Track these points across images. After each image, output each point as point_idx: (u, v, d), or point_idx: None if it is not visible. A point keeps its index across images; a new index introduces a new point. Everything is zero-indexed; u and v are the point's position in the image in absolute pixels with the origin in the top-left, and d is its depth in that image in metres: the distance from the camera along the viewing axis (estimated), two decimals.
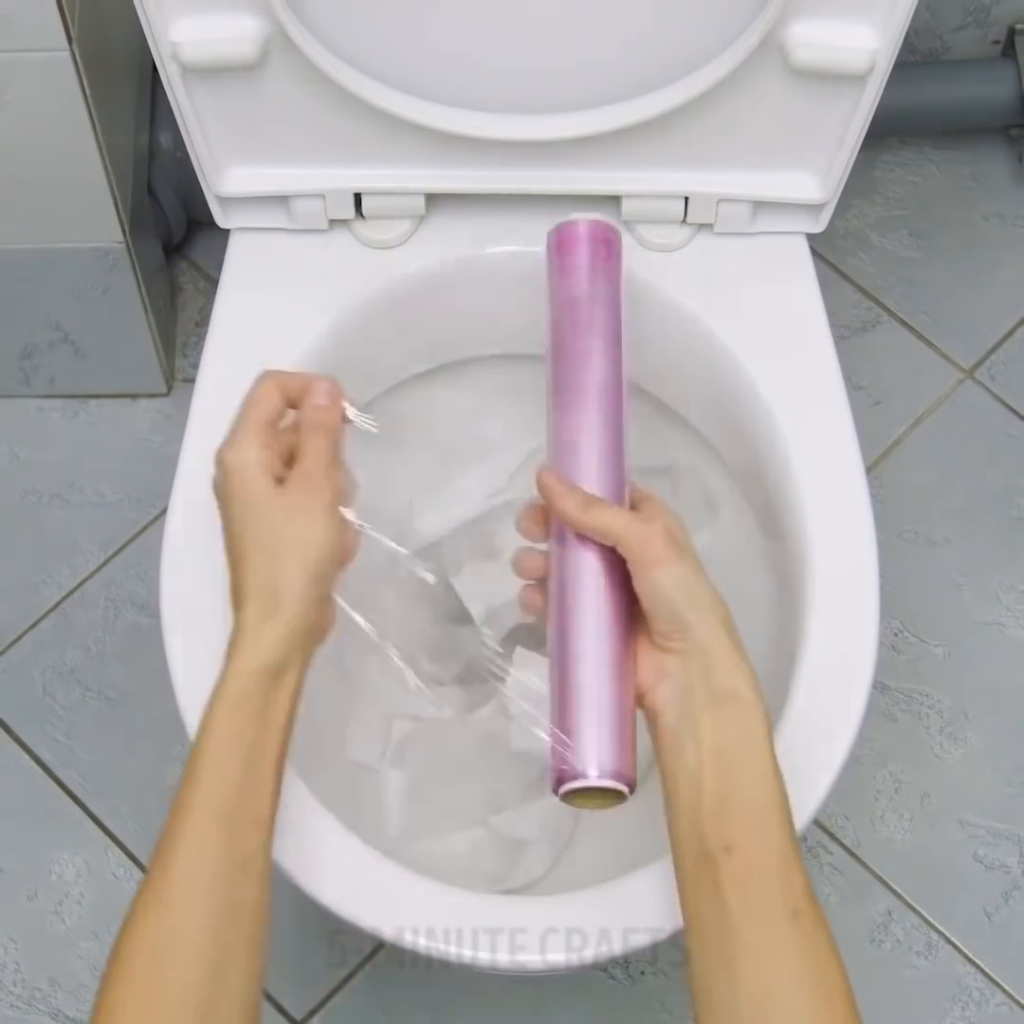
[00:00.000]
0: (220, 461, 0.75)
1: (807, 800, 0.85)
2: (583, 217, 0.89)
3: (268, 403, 0.76)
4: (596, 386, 0.83)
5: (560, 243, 0.89)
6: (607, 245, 0.89)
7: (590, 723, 0.75)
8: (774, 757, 0.71)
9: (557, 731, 0.75)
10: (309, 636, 0.75)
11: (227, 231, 1.04)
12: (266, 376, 0.78)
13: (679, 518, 0.76)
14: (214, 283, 1.04)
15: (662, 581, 0.73)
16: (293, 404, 0.78)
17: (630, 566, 0.74)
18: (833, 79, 0.92)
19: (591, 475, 0.81)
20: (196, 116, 0.95)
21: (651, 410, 1.07)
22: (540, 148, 0.97)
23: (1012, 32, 1.47)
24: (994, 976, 1.23)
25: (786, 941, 0.66)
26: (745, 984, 0.65)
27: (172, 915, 0.68)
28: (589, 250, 0.88)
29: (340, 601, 0.80)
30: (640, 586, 0.74)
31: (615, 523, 0.75)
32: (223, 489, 0.75)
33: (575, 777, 0.74)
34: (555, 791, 0.75)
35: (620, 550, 0.74)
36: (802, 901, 0.67)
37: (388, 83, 0.94)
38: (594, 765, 0.74)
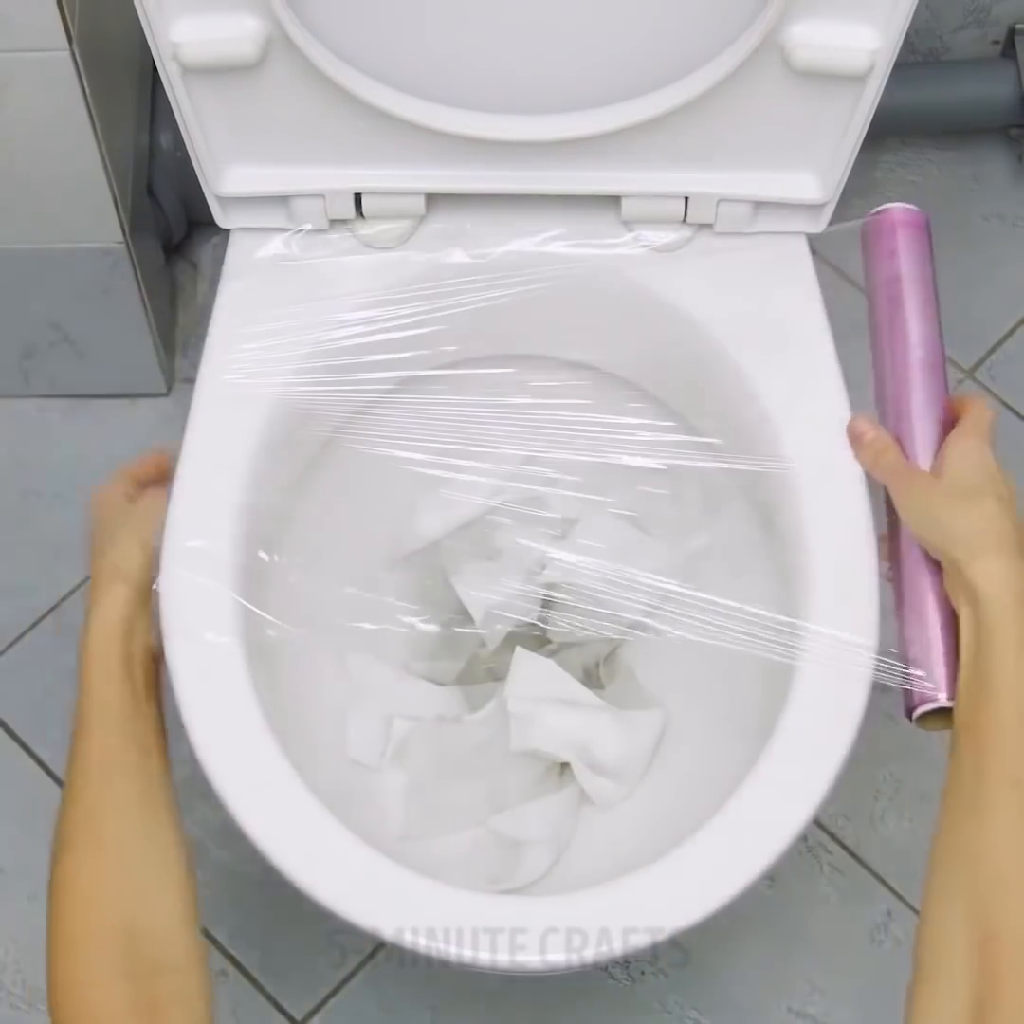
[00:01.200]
0: (93, 497, 0.96)
1: (808, 799, 0.85)
2: (896, 206, 0.96)
3: (142, 466, 0.98)
4: (918, 360, 0.94)
5: (877, 229, 0.97)
6: (918, 228, 0.96)
7: (939, 657, 0.86)
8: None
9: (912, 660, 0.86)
10: (146, 609, 0.89)
11: (227, 231, 1.04)
12: (156, 450, 0.99)
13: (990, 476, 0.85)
14: (214, 283, 1.04)
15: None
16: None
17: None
18: (833, 79, 0.92)
19: (915, 437, 0.91)
20: (196, 116, 0.95)
21: (651, 410, 1.07)
22: (540, 148, 0.97)
23: (1012, 32, 1.47)
24: None
25: (1006, 804, 0.76)
26: (971, 841, 0.77)
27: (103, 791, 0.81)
28: (904, 234, 0.96)
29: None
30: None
31: (895, 478, 0.88)
32: (92, 513, 0.94)
33: (929, 701, 0.85)
34: (909, 715, 0.87)
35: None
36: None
37: (388, 83, 0.94)
38: (945, 690, 0.85)
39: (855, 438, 0.94)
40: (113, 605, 0.86)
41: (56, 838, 0.81)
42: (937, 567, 0.86)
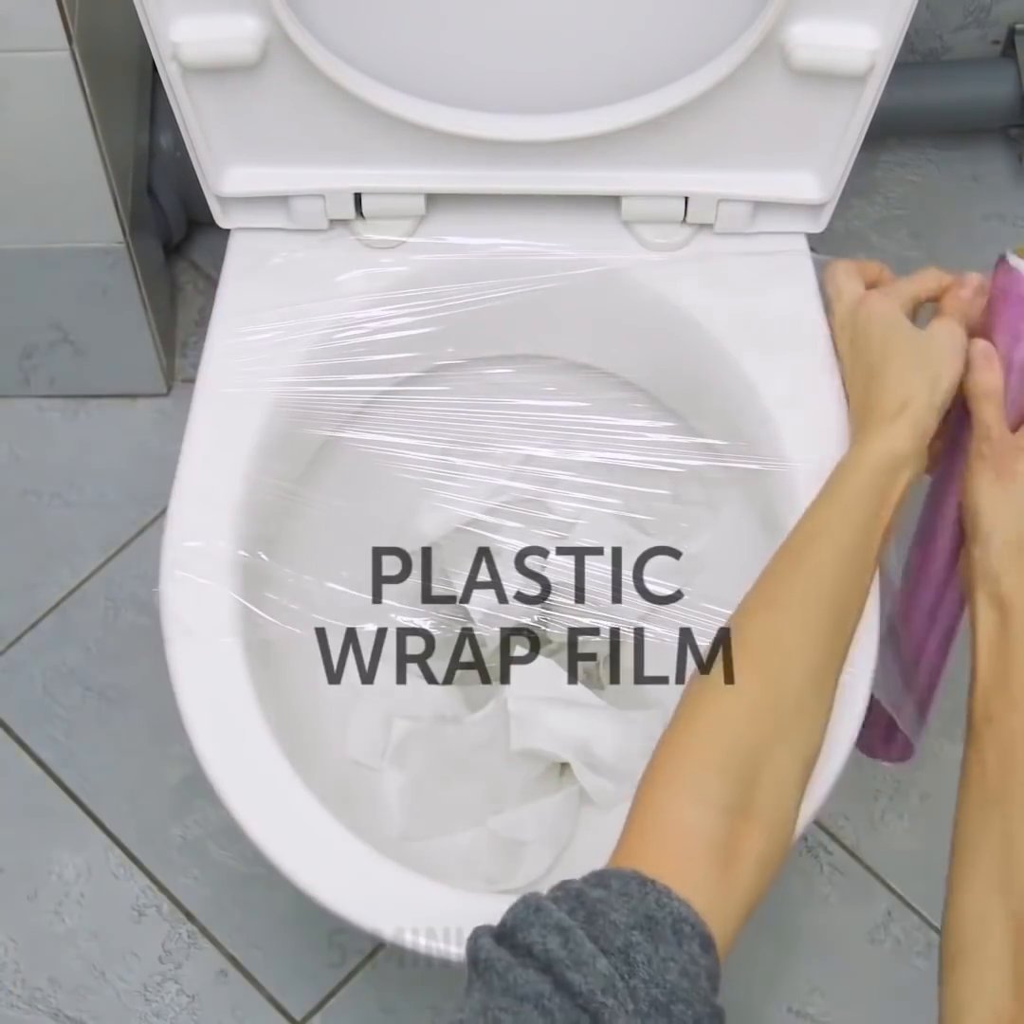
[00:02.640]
0: (869, 302, 0.91)
1: (807, 800, 0.85)
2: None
3: (922, 283, 0.92)
4: None
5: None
6: None
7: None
8: None
9: None
10: (923, 446, 0.86)
11: (227, 231, 1.04)
12: (928, 272, 0.93)
13: None
14: (214, 283, 1.04)
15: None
16: (932, 297, 0.93)
17: None
18: (833, 79, 0.92)
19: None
20: (196, 116, 0.95)
21: (651, 410, 1.07)
22: (540, 148, 0.97)
23: (1012, 32, 1.47)
24: None
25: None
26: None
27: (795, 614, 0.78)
28: None
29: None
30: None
31: (983, 438, 0.86)
32: (865, 321, 0.90)
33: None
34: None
35: None
36: None
37: (388, 83, 0.94)
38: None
39: (974, 365, 0.89)
40: (889, 444, 0.83)
41: (736, 622, 0.78)
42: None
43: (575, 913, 0.62)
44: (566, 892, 0.64)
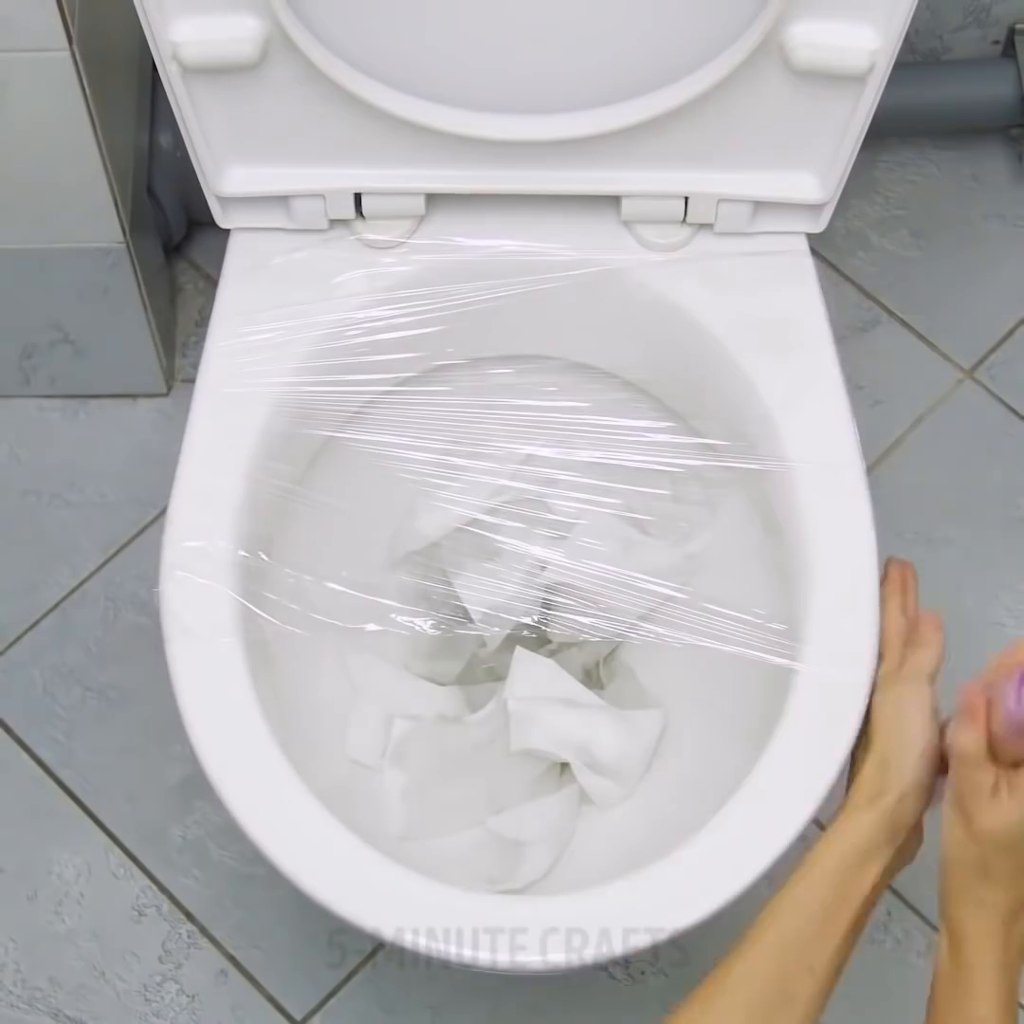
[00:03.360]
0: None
1: (807, 800, 0.85)
2: None
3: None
4: None
5: None
6: None
7: None
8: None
9: None
10: (897, 831, 0.83)
11: (227, 231, 1.04)
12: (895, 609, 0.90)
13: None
14: (214, 283, 1.04)
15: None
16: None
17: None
18: (833, 79, 0.92)
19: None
20: (196, 116, 0.95)
21: (651, 410, 1.07)
22: (540, 148, 0.97)
23: (1012, 32, 1.47)
24: None
25: None
26: None
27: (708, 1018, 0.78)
28: None
29: None
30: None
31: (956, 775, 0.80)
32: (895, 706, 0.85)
33: None
34: None
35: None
36: None
37: (388, 83, 0.94)
38: None
39: (963, 714, 0.80)
40: (861, 830, 0.82)
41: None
42: None
43: None
44: None
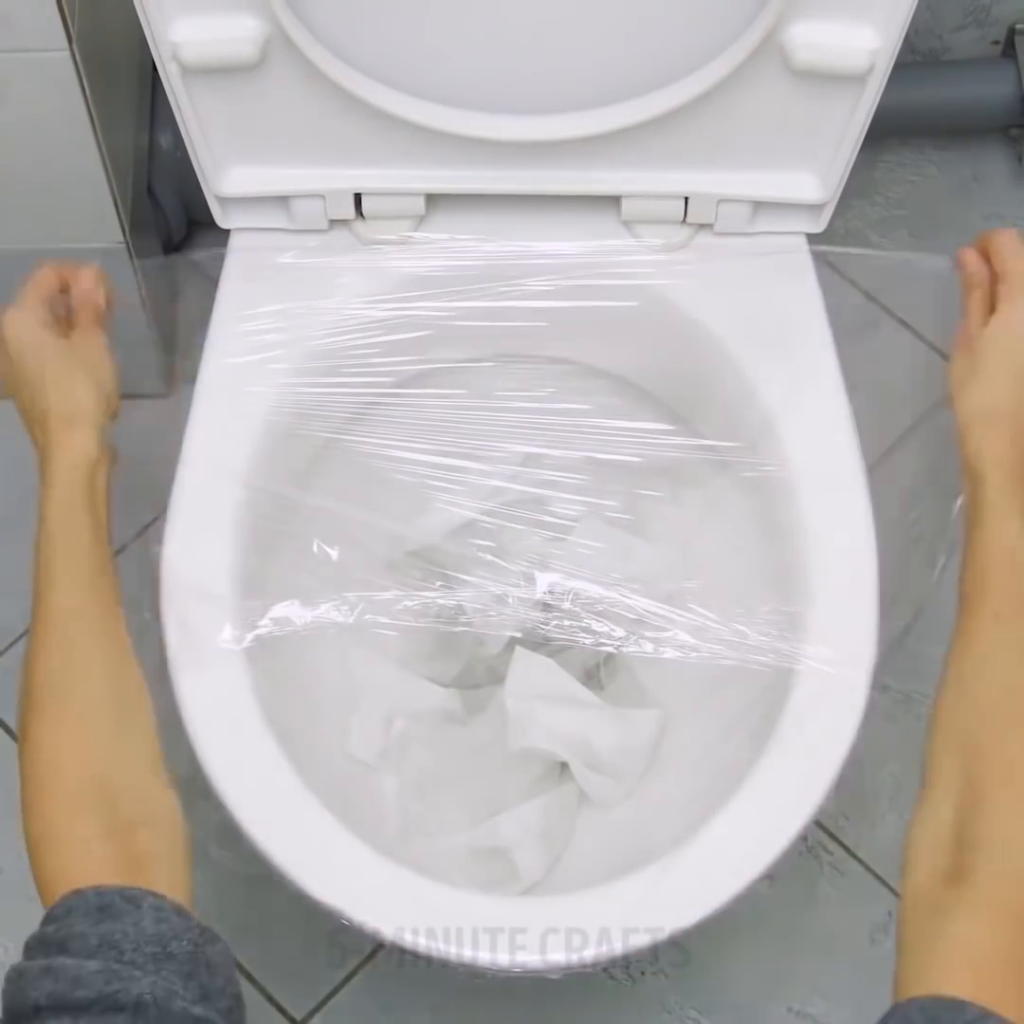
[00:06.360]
0: (4, 323, 0.90)
1: (807, 800, 0.85)
2: None
3: (45, 283, 0.92)
4: None
5: None
6: None
7: None
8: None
9: None
10: (105, 444, 0.90)
11: (227, 231, 1.04)
12: (43, 263, 0.94)
13: None
14: (214, 283, 1.04)
15: None
16: (65, 288, 0.94)
17: None
18: (833, 79, 0.92)
19: None
20: (196, 116, 0.95)
21: (651, 410, 1.08)
22: (540, 148, 0.97)
23: (1012, 32, 1.47)
24: None
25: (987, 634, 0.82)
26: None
27: (69, 654, 0.81)
28: None
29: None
30: None
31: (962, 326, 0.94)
32: (12, 346, 0.90)
33: None
34: None
35: None
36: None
37: (388, 83, 0.94)
38: None
39: (961, 265, 0.95)
40: (79, 451, 0.88)
41: (23, 697, 0.81)
42: None
43: (46, 951, 0.70)
44: (33, 943, 0.73)
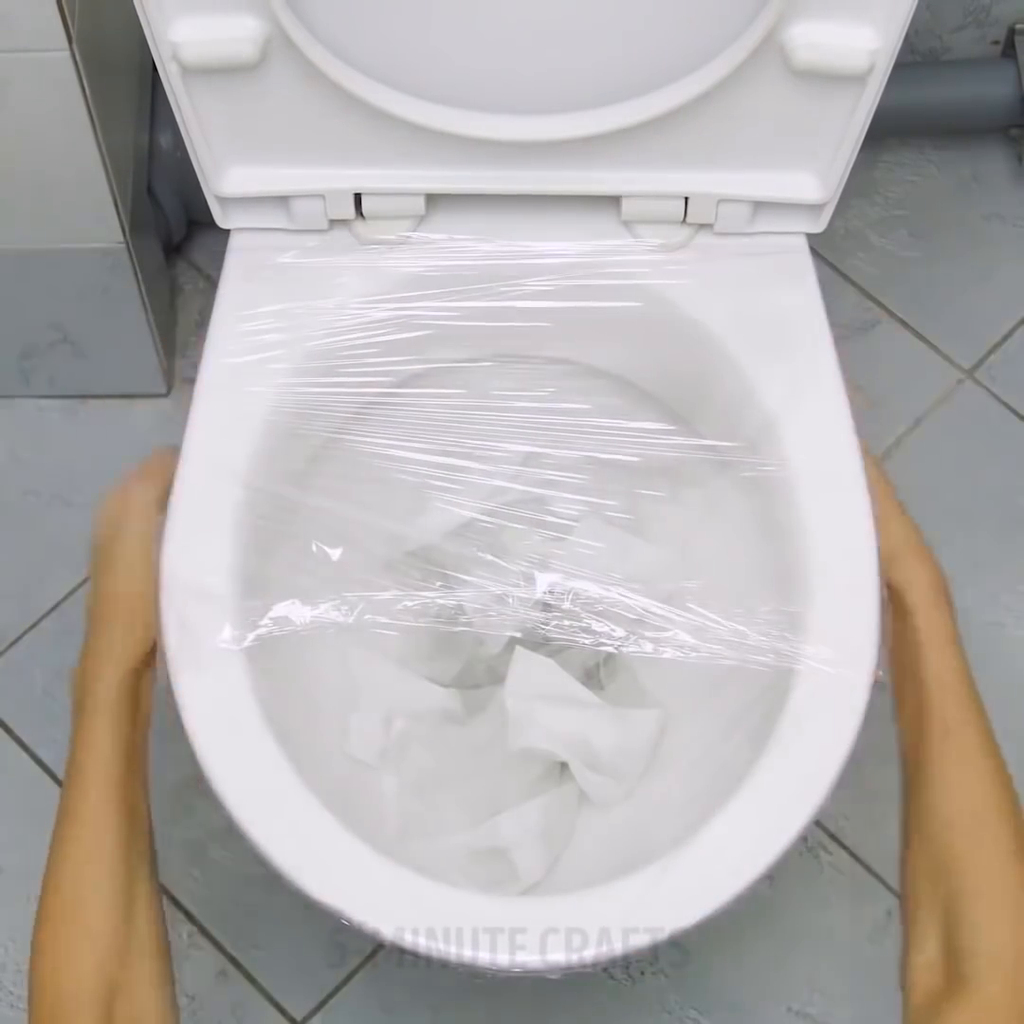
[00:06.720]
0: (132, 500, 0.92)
1: (807, 800, 0.85)
2: None
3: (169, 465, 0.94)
4: None
5: None
6: None
7: None
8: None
9: None
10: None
11: (227, 231, 1.04)
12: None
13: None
14: (214, 283, 1.04)
15: None
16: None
17: None
18: (833, 79, 0.92)
19: None
20: (196, 116, 0.95)
21: (650, 410, 1.07)
22: (540, 148, 0.96)
23: (1012, 32, 1.47)
24: None
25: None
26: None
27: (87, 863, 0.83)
28: None
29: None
30: None
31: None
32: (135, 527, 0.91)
33: None
34: None
35: None
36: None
37: (388, 83, 0.94)
38: None
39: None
40: (112, 647, 0.87)
41: (40, 900, 0.84)
42: None
43: None
44: None
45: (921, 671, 0.88)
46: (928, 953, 0.79)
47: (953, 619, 0.91)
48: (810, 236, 1.03)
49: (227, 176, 1.00)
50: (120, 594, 0.89)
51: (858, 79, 0.91)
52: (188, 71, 0.91)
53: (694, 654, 0.96)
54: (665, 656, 0.98)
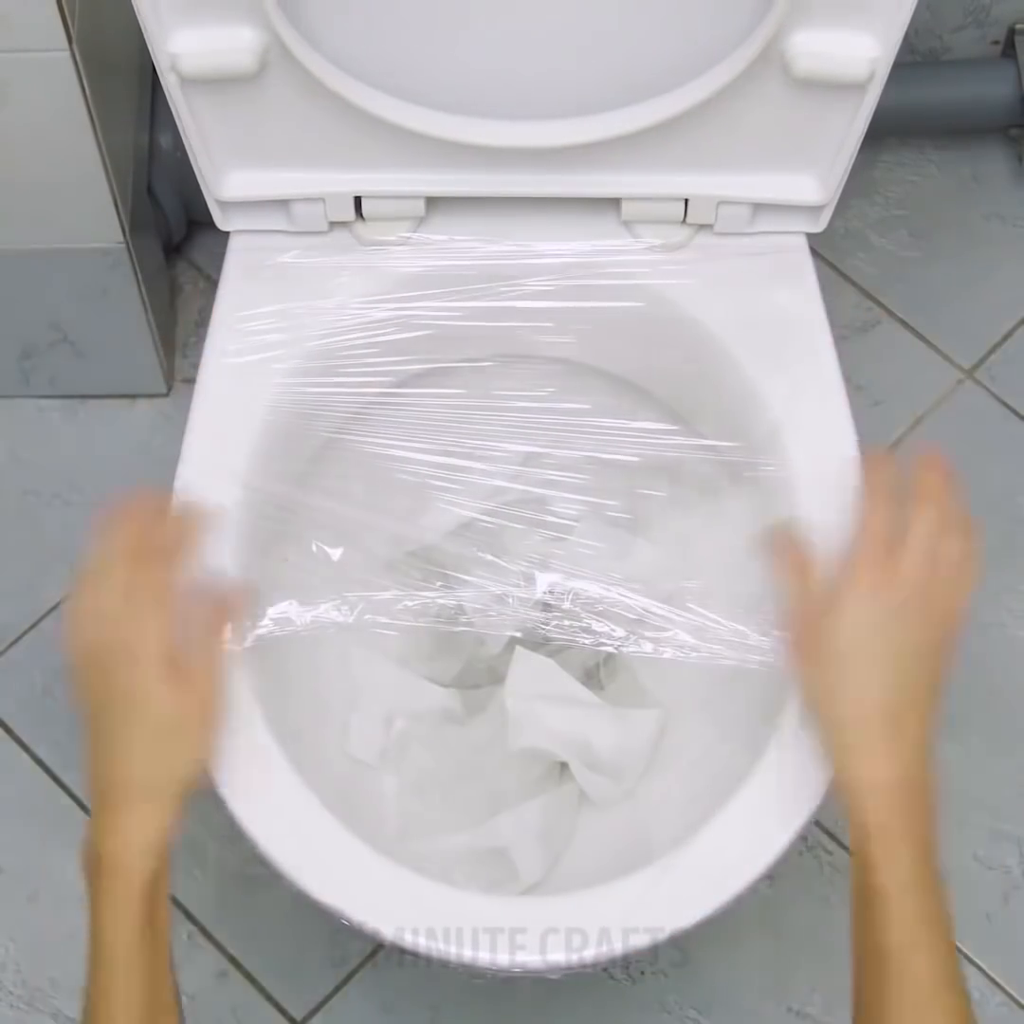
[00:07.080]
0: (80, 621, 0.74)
1: (807, 800, 0.85)
2: None
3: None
4: None
5: None
6: None
7: None
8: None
9: None
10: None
11: (227, 232, 1.04)
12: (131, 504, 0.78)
13: None
14: (214, 283, 1.04)
15: None
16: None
17: None
18: (833, 87, 0.92)
19: None
20: (196, 124, 0.95)
21: (651, 410, 1.07)
22: (540, 153, 0.96)
23: (1012, 32, 1.47)
24: (994, 976, 1.23)
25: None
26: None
27: None
28: None
29: None
30: None
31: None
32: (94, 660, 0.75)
33: None
34: None
35: None
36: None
37: (387, 91, 0.94)
38: None
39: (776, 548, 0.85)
40: (141, 830, 0.75)
41: None
42: None
43: None
44: None
45: (876, 934, 0.72)
46: None
47: (925, 843, 0.72)
48: (810, 236, 1.04)
49: (227, 181, 1.00)
50: (150, 761, 0.73)
51: (858, 87, 0.91)
52: (187, 81, 0.91)
53: (694, 654, 0.96)
54: (665, 656, 0.98)
